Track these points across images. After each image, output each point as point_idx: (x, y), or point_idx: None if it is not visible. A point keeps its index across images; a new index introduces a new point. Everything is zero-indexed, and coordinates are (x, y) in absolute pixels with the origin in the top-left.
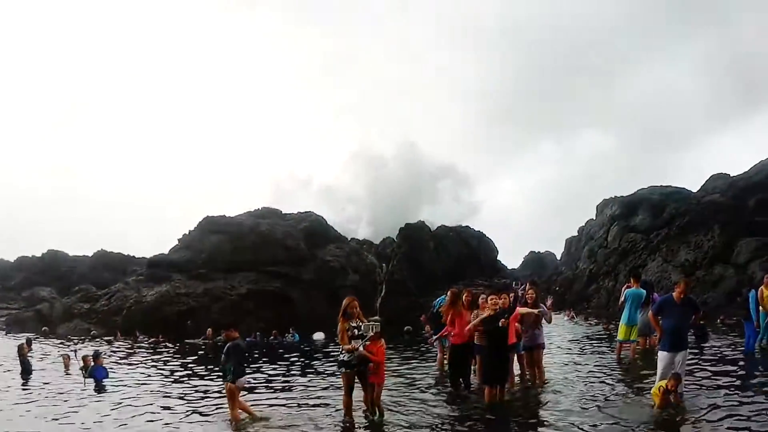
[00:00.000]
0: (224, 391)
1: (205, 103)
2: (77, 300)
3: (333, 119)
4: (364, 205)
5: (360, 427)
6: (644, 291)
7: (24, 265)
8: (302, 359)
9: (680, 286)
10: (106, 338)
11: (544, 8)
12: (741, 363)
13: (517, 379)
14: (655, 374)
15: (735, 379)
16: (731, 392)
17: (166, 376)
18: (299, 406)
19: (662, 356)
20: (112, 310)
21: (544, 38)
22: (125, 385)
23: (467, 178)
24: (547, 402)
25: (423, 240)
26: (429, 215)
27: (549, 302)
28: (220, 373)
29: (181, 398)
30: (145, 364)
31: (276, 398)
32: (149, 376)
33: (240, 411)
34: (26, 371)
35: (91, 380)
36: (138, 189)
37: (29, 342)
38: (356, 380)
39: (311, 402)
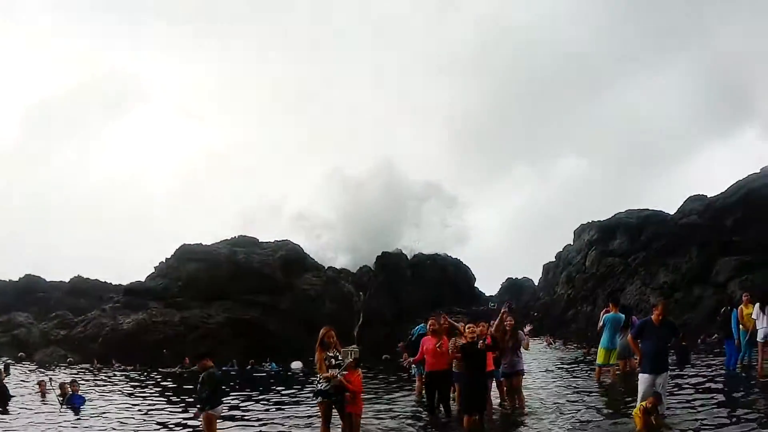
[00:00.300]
0: (201, 420)
1: (179, 124)
2: (54, 326)
3: (307, 144)
4: (340, 231)
5: None
6: (623, 315)
7: (0, 290)
8: (279, 388)
9: (658, 309)
10: (82, 365)
11: (520, 33)
12: (722, 382)
13: (496, 405)
14: (636, 397)
15: (718, 397)
16: (715, 411)
17: (143, 405)
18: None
19: (643, 379)
20: (88, 337)
21: (519, 63)
22: (102, 414)
23: (451, 201)
24: (527, 428)
25: (400, 268)
26: (407, 241)
27: (527, 328)
28: (198, 402)
29: (159, 426)
30: (122, 392)
31: (252, 428)
32: (126, 404)
33: None
34: (2, 397)
35: (66, 408)
36: (115, 215)
37: (6, 367)
38: (334, 410)
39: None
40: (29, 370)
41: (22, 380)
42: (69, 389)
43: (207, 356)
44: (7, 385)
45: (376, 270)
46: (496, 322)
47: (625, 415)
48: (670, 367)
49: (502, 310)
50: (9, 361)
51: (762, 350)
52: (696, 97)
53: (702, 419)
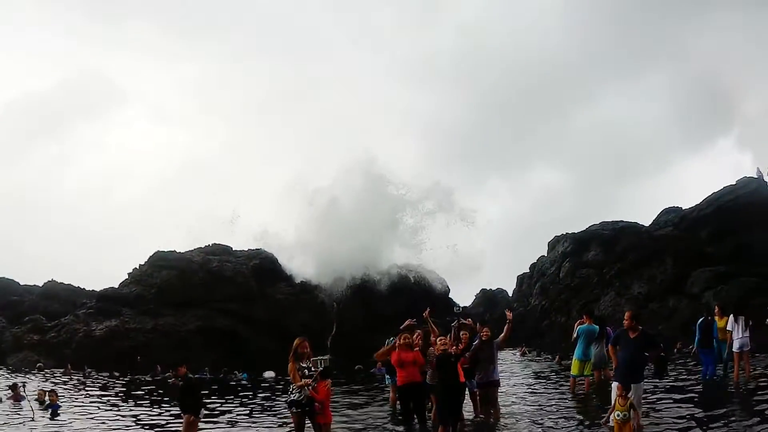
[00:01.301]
0: (181, 426)
1: (155, 129)
2: (27, 330)
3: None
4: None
5: None
6: (597, 327)
7: None
8: (252, 398)
9: (626, 317)
10: (57, 370)
11: (496, 43)
12: (699, 392)
13: (470, 417)
14: (609, 406)
15: (694, 409)
16: (689, 421)
17: (117, 412)
18: None
19: (613, 387)
20: (61, 343)
21: (495, 75)
22: (78, 418)
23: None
24: None
25: (373, 279)
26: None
27: (502, 334)
28: (180, 408)
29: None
30: (98, 398)
31: None
32: (101, 410)
33: None
34: None
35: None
36: (89, 219)
37: None
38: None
39: None
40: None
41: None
42: (47, 398)
43: (182, 364)
44: None
45: (350, 280)
46: (450, 336)
47: (600, 425)
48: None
49: (452, 325)
50: None
51: (737, 360)
52: (670, 110)
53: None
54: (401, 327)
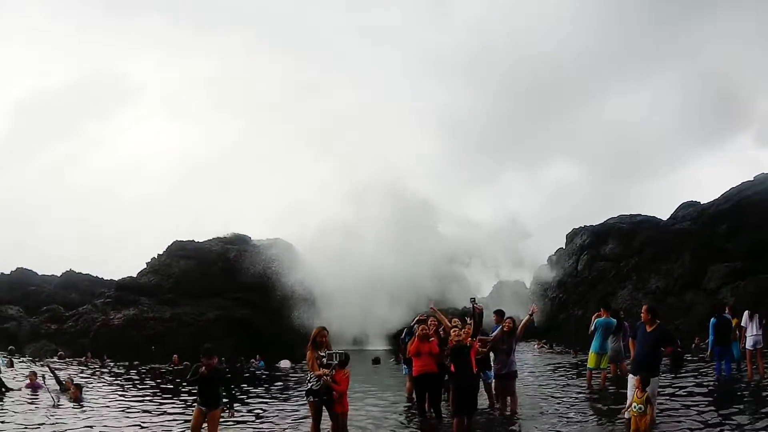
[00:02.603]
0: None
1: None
2: (45, 320)
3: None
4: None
5: None
6: (614, 320)
7: None
8: (269, 386)
9: (643, 311)
10: (76, 359)
11: (512, 37)
12: (714, 388)
13: (486, 407)
14: (625, 400)
15: (708, 403)
16: (704, 417)
17: (137, 402)
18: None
19: (631, 380)
20: (79, 332)
21: (511, 69)
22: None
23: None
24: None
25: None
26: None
27: (520, 326)
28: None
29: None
30: (117, 387)
31: (240, 427)
32: (121, 399)
33: None
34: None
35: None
36: (109, 210)
37: (10, 362)
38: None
39: (277, 428)
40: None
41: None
42: (72, 389)
43: (214, 353)
44: (4, 379)
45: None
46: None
47: (616, 419)
48: (665, 373)
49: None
50: (7, 356)
51: (751, 357)
52: (690, 104)
53: (691, 425)
54: (416, 319)
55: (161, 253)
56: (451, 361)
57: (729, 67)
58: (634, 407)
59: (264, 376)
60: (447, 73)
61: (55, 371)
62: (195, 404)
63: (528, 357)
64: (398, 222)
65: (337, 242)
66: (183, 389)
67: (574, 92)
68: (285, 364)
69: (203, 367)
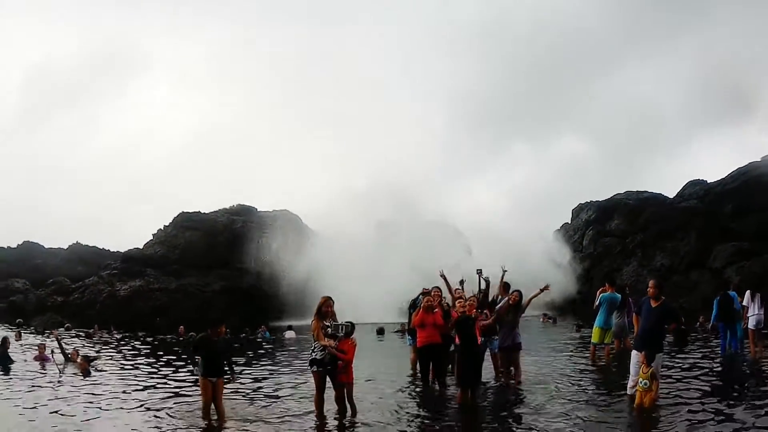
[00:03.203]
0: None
1: (180, 93)
2: (51, 292)
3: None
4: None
5: (331, 427)
6: (619, 295)
7: None
8: (273, 357)
9: (650, 285)
10: (83, 330)
11: (522, 10)
12: (718, 365)
13: (492, 379)
14: (628, 375)
15: (712, 380)
16: (706, 394)
17: (144, 372)
18: (267, 399)
19: (634, 356)
20: (85, 304)
21: (521, 40)
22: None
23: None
24: (522, 405)
25: (397, 235)
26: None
27: (527, 300)
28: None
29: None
30: (124, 359)
31: (244, 395)
32: (128, 370)
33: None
34: (5, 367)
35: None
36: (115, 182)
37: (18, 334)
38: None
39: (281, 401)
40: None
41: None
42: (78, 359)
43: (222, 323)
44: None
45: (375, 238)
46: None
47: (619, 393)
48: (669, 350)
49: (455, 288)
50: (10, 330)
51: (752, 337)
52: (701, 83)
53: (693, 402)
54: (421, 291)
55: (167, 224)
56: (456, 332)
57: (743, 48)
58: (640, 383)
59: (269, 347)
60: (458, 43)
61: (62, 343)
62: (201, 377)
63: (532, 330)
64: (405, 194)
65: (344, 214)
66: (188, 361)
67: (584, 66)
68: (290, 334)
69: (212, 338)
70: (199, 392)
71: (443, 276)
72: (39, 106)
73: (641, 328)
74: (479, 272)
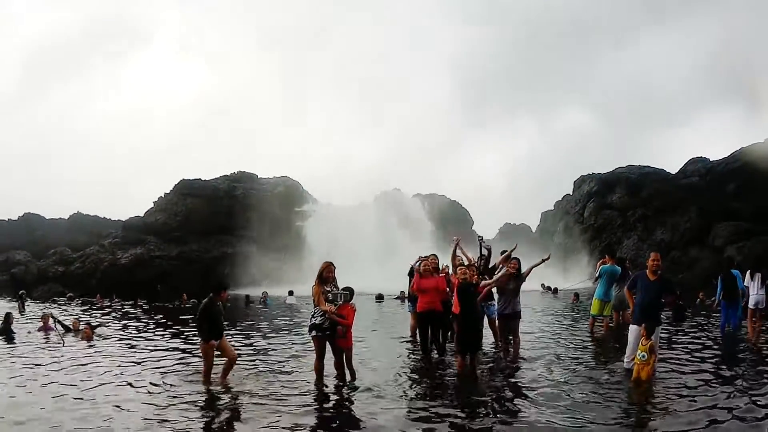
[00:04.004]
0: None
1: (181, 62)
2: (52, 263)
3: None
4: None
5: (330, 392)
6: (619, 268)
7: None
8: (274, 322)
9: (654, 258)
10: (85, 298)
11: None
12: (716, 343)
13: (491, 346)
14: (626, 348)
15: (710, 362)
16: (703, 373)
17: (147, 339)
18: (269, 371)
19: (633, 330)
20: (86, 273)
21: (527, 10)
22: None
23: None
24: (520, 374)
25: (397, 207)
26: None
27: (528, 269)
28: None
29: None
30: (126, 327)
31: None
32: (131, 337)
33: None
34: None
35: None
36: (115, 151)
37: (22, 304)
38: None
39: (280, 366)
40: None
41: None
42: (85, 328)
43: (225, 288)
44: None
45: (375, 209)
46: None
47: (616, 366)
48: (667, 324)
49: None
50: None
51: (751, 316)
52: (709, 61)
53: (689, 376)
54: (418, 258)
55: (168, 191)
56: (458, 299)
57: (753, 29)
58: (638, 355)
59: (270, 312)
60: (457, 11)
61: (59, 320)
62: (204, 342)
63: (531, 300)
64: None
65: (346, 180)
66: (190, 326)
67: (591, 39)
68: (290, 300)
69: (215, 303)
70: (222, 357)
71: (458, 242)
72: (39, 78)
73: (642, 302)
74: (480, 240)
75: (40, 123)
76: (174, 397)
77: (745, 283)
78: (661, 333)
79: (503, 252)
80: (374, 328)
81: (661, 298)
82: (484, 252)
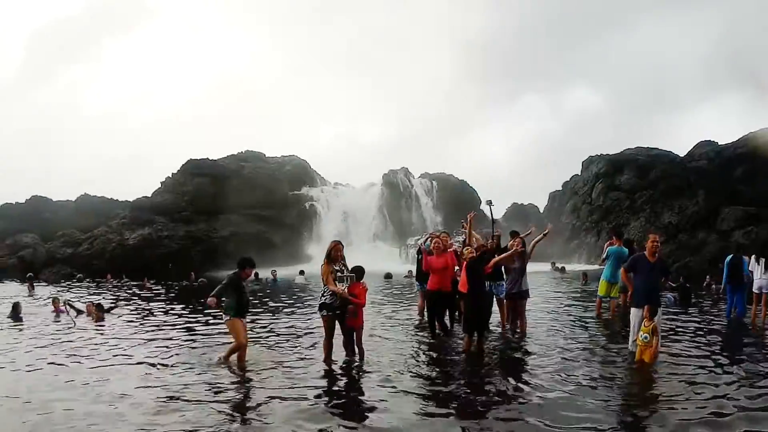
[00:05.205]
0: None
1: (188, 40)
2: (60, 245)
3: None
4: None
5: (339, 372)
6: (627, 249)
7: (7, 213)
8: (282, 301)
9: (656, 239)
10: (96, 280)
11: None
12: (720, 329)
13: (496, 325)
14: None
15: (712, 347)
16: (707, 357)
17: (159, 318)
18: (270, 347)
19: (634, 312)
20: (94, 254)
21: None
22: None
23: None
24: (523, 354)
25: (405, 186)
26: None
27: (532, 244)
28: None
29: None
30: (139, 306)
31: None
32: (143, 317)
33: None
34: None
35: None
36: (123, 132)
37: (32, 285)
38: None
39: (286, 345)
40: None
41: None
42: (95, 311)
43: (252, 266)
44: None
45: (382, 188)
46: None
47: (621, 348)
48: (674, 308)
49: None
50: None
51: (756, 302)
52: (721, 44)
53: (692, 359)
54: (428, 236)
55: (175, 171)
56: (466, 277)
57: (765, 11)
58: (641, 336)
59: (278, 292)
60: None
61: (71, 303)
62: (231, 318)
63: (539, 280)
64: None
65: (353, 159)
66: (199, 305)
67: (602, 17)
68: (300, 279)
69: (242, 279)
70: (230, 336)
71: (471, 221)
72: (46, 61)
73: (643, 284)
74: (489, 203)
75: (46, 104)
76: (183, 377)
77: (750, 268)
78: (666, 317)
79: (513, 233)
80: (383, 308)
81: (660, 280)
82: (493, 217)
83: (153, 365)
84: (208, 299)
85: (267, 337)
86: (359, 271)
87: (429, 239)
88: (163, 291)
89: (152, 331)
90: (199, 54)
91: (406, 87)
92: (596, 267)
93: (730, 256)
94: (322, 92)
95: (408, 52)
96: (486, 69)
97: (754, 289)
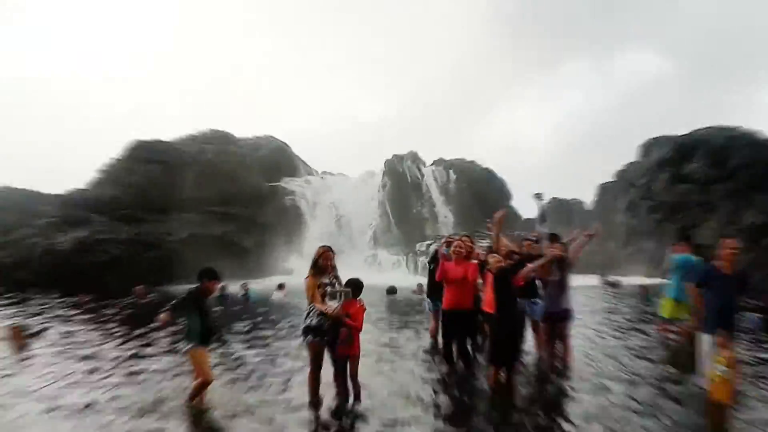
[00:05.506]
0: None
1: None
2: None
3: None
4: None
5: (328, 418)
6: (697, 258)
7: None
8: (255, 323)
9: (732, 246)
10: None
11: None
12: None
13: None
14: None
15: None
16: None
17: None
18: (249, 387)
19: (705, 339)
20: (17, 262)
21: None
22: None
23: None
24: (564, 391)
25: (414, 176)
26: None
27: (573, 250)
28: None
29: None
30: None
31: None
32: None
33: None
34: None
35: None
36: (49, 109)
37: None
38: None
39: (261, 380)
40: None
41: None
42: (15, 335)
43: (216, 278)
44: None
45: (385, 177)
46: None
47: (691, 386)
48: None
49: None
50: None
51: None
52: None
53: None
54: (444, 241)
55: (118, 156)
56: (494, 293)
57: None
58: (717, 369)
59: (252, 310)
60: None
61: None
62: (193, 347)
63: (585, 297)
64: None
65: (347, 140)
66: (153, 329)
67: None
68: (278, 295)
69: (205, 295)
70: (191, 370)
71: (499, 221)
72: None
73: (716, 303)
74: (538, 196)
75: None
76: (125, 425)
77: None
78: (744, 346)
79: (552, 236)
80: (385, 331)
81: (738, 297)
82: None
83: (87, 407)
84: (161, 315)
85: (235, 369)
86: (355, 286)
87: (446, 245)
88: (101, 309)
89: (87, 361)
90: (150, 14)
91: (416, 52)
92: (659, 281)
93: None
94: (308, 55)
95: (420, 8)
96: (516, 29)
97: None
